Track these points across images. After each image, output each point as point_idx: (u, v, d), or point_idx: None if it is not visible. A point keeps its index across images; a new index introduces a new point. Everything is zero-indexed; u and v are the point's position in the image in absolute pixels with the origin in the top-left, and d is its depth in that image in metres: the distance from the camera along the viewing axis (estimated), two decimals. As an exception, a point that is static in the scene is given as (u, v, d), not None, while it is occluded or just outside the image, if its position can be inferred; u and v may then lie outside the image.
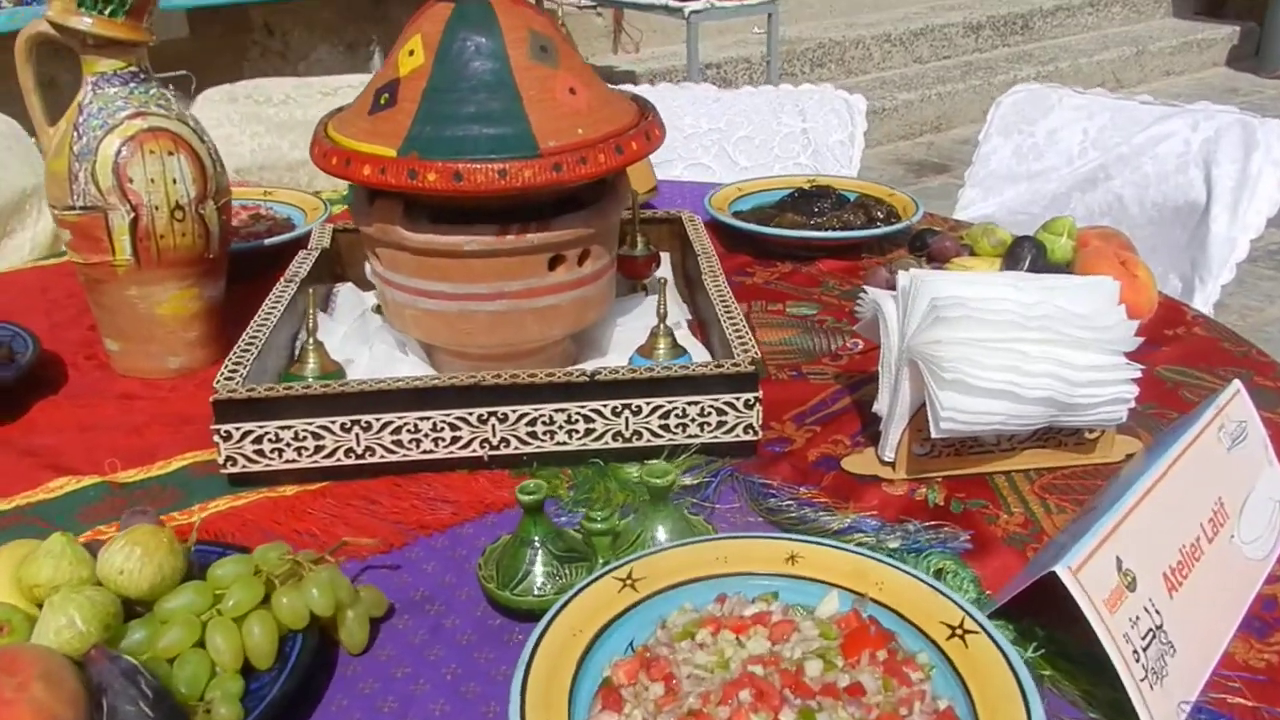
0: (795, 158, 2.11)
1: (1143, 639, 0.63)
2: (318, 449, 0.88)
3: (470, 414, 0.88)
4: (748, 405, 0.90)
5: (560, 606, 0.66)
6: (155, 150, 0.99)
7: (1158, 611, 0.64)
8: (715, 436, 0.91)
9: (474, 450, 0.90)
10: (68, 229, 1.00)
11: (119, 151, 0.98)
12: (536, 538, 0.72)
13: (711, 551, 0.71)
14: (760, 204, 1.47)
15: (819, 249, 1.35)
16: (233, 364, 0.90)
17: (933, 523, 0.81)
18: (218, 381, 0.87)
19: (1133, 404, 0.84)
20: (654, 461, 0.74)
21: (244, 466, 0.88)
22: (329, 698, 0.66)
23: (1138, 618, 0.63)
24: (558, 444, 0.90)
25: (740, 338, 0.94)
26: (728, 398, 0.89)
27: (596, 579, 0.68)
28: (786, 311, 1.21)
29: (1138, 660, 0.61)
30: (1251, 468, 0.79)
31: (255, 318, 0.99)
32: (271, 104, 2.31)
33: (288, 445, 0.88)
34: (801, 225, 1.37)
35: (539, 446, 0.90)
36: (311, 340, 0.95)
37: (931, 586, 0.67)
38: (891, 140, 4.91)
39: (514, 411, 0.89)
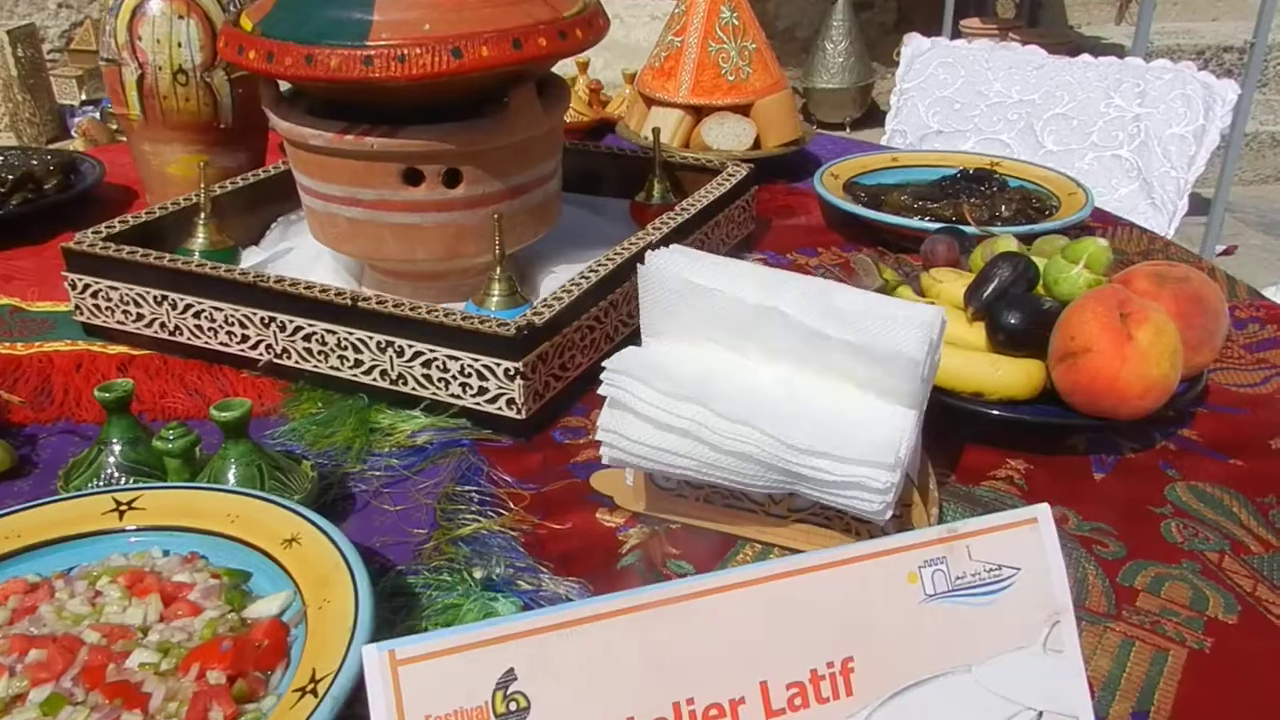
0: (1115, 148, 1.70)
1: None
2: (139, 316, 0.89)
3: (254, 314, 0.83)
4: (508, 375, 0.74)
5: (39, 504, 0.60)
6: (166, 12, 1.04)
7: (544, 770, 0.43)
8: (477, 403, 0.77)
9: (260, 353, 0.85)
10: (103, 77, 1.10)
11: (135, 10, 1.04)
12: (113, 440, 0.67)
13: (225, 506, 0.60)
14: (908, 180, 1.20)
15: (909, 241, 1.07)
16: (114, 222, 0.93)
17: (566, 577, 0.61)
18: (80, 234, 0.91)
19: (889, 498, 0.56)
20: (234, 398, 0.64)
21: (88, 317, 0.91)
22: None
23: (487, 762, 0.43)
24: (331, 368, 0.82)
25: (549, 301, 0.78)
26: (487, 361, 0.75)
27: (90, 494, 0.61)
28: (792, 300, 0.98)
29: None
30: (980, 639, 0.49)
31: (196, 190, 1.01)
32: (597, 24, 2.34)
33: (116, 306, 0.89)
34: (905, 209, 1.10)
35: (315, 366, 0.83)
36: (202, 215, 0.95)
37: (353, 627, 0.51)
38: None
39: (290, 322, 0.82)
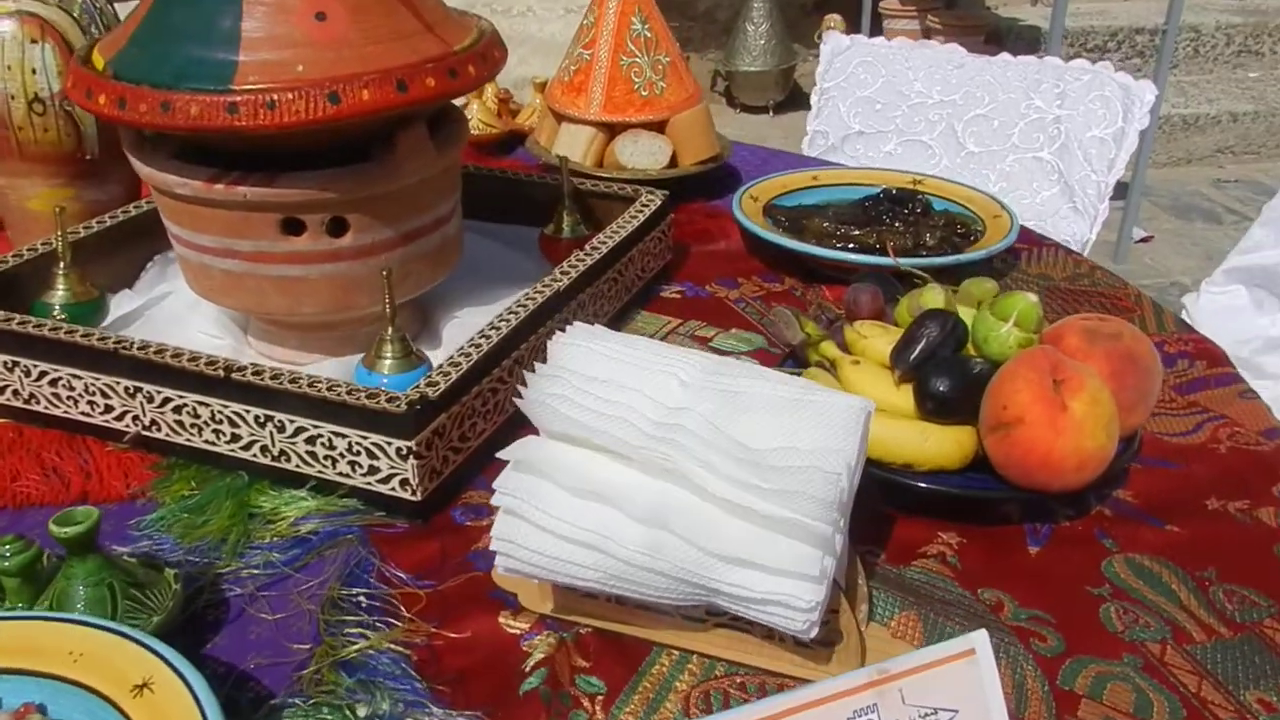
0: (1036, 150, 1.68)
1: None
2: (-11, 383, 0.80)
3: (118, 383, 0.75)
4: (400, 455, 0.68)
5: None
6: (18, 36, 0.94)
7: None
8: (368, 483, 0.70)
9: (127, 425, 0.77)
10: (-49, 106, 1.00)
11: (-19, 33, 0.94)
12: (-59, 556, 0.59)
13: (68, 640, 0.53)
14: (829, 201, 1.15)
15: (832, 270, 1.03)
16: (-40, 273, 0.84)
17: (462, 710, 0.55)
18: (-81, 288, 0.82)
19: (815, 615, 0.51)
20: (78, 507, 0.57)
21: (-68, 383, 0.82)
22: None
23: None
24: (206, 442, 0.74)
25: (445, 368, 0.72)
26: (377, 439, 0.68)
27: (-92, 631, 0.53)
28: (710, 343, 0.93)
29: None
30: (915, 795, 0.45)
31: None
32: (509, 15, 2.26)
33: (-37, 371, 0.80)
34: (827, 235, 1.05)
35: (188, 440, 0.75)
36: (61, 265, 0.86)
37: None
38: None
39: (158, 393, 0.74)
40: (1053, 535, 0.68)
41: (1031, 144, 1.68)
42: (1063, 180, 1.64)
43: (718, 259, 1.10)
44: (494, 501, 0.54)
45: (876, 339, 0.73)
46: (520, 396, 0.56)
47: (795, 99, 4.36)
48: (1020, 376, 0.64)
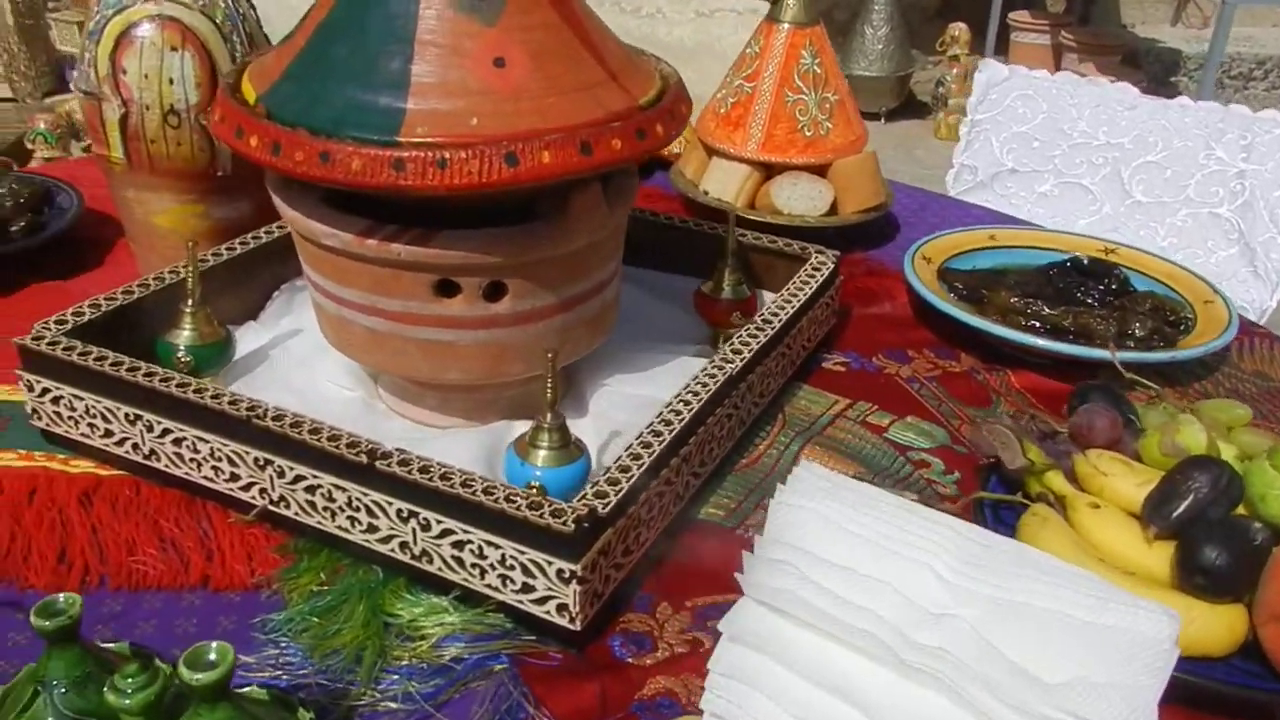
0: (1214, 205, 1.53)
1: None
2: (108, 433, 0.73)
3: (247, 453, 0.68)
4: (562, 578, 0.59)
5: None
6: (156, 43, 0.87)
7: None
8: (519, 601, 0.61)
9: (254, 496, 0.69)
10: (82, 113, 0.93)
11: (120, 37, 0.88)
12: (54, 680, 0.51)
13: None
14: (1009, 265, 1.04)
15: (1019, 352, 0.91)
16: (84, 307, 0.78)
17: None
18: (39, 324, 0.75)
19: None
20: (207, 643, 0.49)
21: (48, 424, 0.76)
22: None
23: None
24: (339, 528, 0.67)
25: (614, 475, 0.63)
26: (535, 556, 0.60)
27: (13, 780, 0.46)
28: (886, 433, 0.83)
29: None
30: None
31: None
32: (638, 15, 2.16)
33: (81, 418, 0.74)
34: (1014, 312, 0.94)
35: (319, 522, 0.67)
36: (190, 303, 0.79)
37: None
38: None
39: (290, 469, 0.67)
40: (1328, 741, 0.57)
41: (1209, 198, 1.53)
42: (1243, 240, 1.49)
43: (884, 325, 1.00)
44: (703, 705, 0.45)
45: (1118, 478, 0.62)
46: (741, 573, 0.46)
47: (909, 107, 4.20)
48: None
